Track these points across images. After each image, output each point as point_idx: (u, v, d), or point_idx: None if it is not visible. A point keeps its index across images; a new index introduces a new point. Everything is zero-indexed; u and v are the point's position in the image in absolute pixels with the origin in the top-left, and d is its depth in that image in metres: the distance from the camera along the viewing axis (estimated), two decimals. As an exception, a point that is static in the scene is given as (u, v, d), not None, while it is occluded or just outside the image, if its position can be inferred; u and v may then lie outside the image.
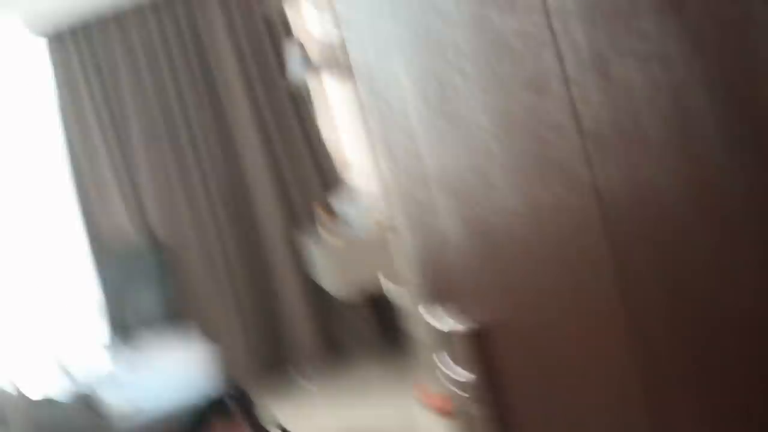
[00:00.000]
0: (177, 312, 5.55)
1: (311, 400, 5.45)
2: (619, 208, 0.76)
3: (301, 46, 4.93)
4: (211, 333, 5.49)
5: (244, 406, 2.62)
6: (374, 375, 5.60)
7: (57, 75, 5.56)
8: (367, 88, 1.34)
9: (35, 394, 3.44)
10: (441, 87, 1.02)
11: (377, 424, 4.76)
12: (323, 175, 5.85)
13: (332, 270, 4.73)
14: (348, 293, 4.70)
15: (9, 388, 3.43)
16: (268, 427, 2.70)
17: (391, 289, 4.75)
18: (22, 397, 3.27)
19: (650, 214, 0.70)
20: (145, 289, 5.59)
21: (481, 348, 1.30)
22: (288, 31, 5.65)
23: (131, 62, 5.60)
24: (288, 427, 3.42)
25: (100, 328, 5.51)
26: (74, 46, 5.49)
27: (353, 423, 4.85)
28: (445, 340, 1.42)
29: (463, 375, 1.36)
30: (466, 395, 1.38)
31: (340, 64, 4.59)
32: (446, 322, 1.40)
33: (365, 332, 5.90)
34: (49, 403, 3.37)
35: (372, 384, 5.44)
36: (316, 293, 5.80)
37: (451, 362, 1.41)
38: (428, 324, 1.51)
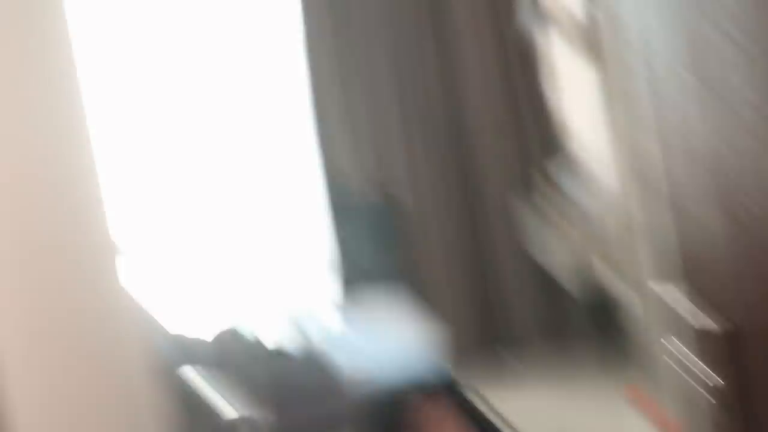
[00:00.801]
0: (399, 274, 5.53)
1: (519, 383, 5.28)
2: None
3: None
4: (427, 299, 5.41)
5: (452, 389, 2.45)
6: (586, 366, 5.32)
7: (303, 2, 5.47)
8: (612, 46, 1.20)
9: (269, 344, 3.53)
10: (700, 50, 0.87)
11: (585, 421, 4.52)
12: (546, 139, 5.52)
13: (553, 246, 4.51)
14: (567, 273, 4.47)
15: (247, 334, 3.51)
16: (482, 412, 2.53)
17: (615, 274, 4.45)
18: (258, 344, 3.37)
19: None
20: (371, 245, 5.61)
21: (736, 351, 1.14)
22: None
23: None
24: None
25: (330, 283, 5.62)
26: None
27: (560, 413, 4.64)
28: (693, 336, 1.26)
29: (712, 378, 1.21)
30: (713, 401, 1.23)
31: (579, 19, 4.33)
32: (696, 316, 1.24)
33: (581, 318, 5.58)
34: (281, 355, 3.45)
35: (583, 376, 5.18)
36: (535, 269, 5.53)
37: (697, 361, 1.25)
38: (666, 315, 1.36)
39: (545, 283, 5.54)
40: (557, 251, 4.48)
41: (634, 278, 4.05)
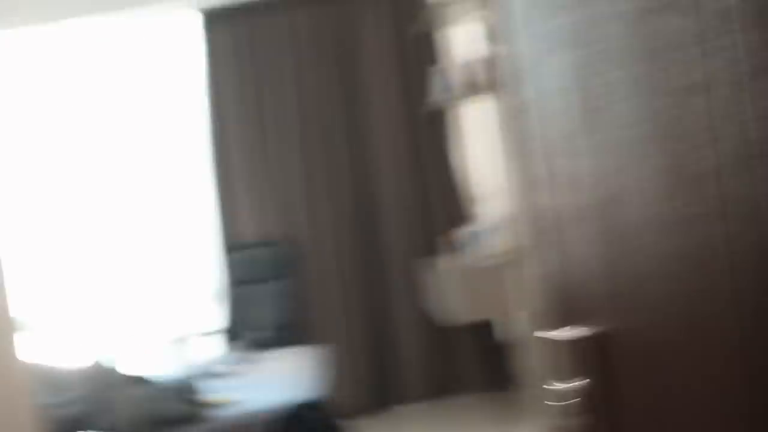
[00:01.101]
0: (294, 316, 5.60)
1: (410, 428, 5.42)
2: (743, 227, 0.77)
3: (445, 71, 4.91)
4: (322, 341, 5.53)
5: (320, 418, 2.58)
6: (479, 413, 5.50)
7: (209, 54, 5.57)
8: (519, 100, 1.36)
9: (132, 371, 3.54)
10: (591, 89, 1.04)
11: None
12: (451, 204, 5.76)
13: (447, 296, 4.66)
14: (461, 321, 4.63)
15: (107, 362, 3.53)
16: None
17: (508, 318, 4.67)
18: (116, 371, 3.39)
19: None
20: (264, 287, 5.63)
21: (598, 352, 1.31)
22: (434, 55, 5.61)
23: (278, 52, 5.64)
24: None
25: (216, 319, 5.62)
26: (231, 26, 5.57)
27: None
28: (563, 351, 1.43)
29: (578, 382, 1.38)
30: (578, 402, 1.39)
31: (489, 82, 4.54)
32: (567, 334, 1.41)
33: (474, 367, 5.79)
34: (141, 381, 3.47)
35: (476, 421, 5.34)
36: (429, 324, 5.75)
37: (565, 375, 1.42)
38: (546, 346, 1.52)
39: (439, 338, 5.70)
40: (451, 299, 4.59)
41: (528, 329, 4.24)
